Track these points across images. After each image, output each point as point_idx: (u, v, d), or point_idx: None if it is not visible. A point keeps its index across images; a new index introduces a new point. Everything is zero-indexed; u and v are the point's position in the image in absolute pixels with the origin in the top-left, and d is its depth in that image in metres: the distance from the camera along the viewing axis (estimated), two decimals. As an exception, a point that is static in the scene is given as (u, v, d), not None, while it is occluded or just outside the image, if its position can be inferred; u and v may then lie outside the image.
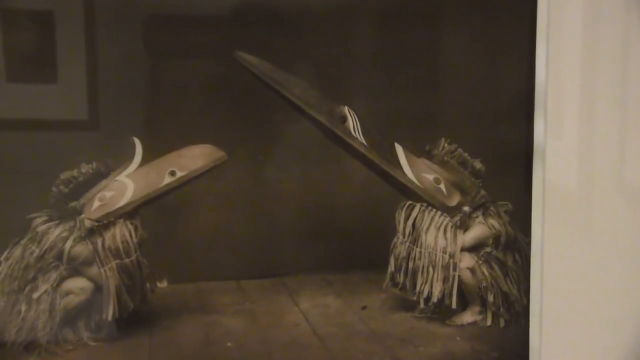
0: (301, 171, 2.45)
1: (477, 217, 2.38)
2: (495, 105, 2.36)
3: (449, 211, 2.38)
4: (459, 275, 2.33)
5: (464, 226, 2.36)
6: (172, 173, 2.25)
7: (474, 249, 2.36)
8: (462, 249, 2.35)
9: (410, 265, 2.33)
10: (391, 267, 2.37)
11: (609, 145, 2.09)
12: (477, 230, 2.37)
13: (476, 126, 2.39)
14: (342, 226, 2.46)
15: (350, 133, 2.30)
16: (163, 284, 2.35)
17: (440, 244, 2.33)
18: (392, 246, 2.37)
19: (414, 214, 2.36)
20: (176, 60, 2.29)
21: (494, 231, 2.37)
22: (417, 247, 2.34)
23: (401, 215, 2.36)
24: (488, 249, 2.37)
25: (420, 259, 2.33)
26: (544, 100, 2.09)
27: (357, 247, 2.45)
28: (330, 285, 2.50)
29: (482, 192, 2.38)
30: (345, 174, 2.44)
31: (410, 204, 2.37)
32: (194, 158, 2.28)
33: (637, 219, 2.11)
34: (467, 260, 2.35)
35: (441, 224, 2.35)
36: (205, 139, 2.28)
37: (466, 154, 2.38)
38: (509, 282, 2.34)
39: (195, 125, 2.32)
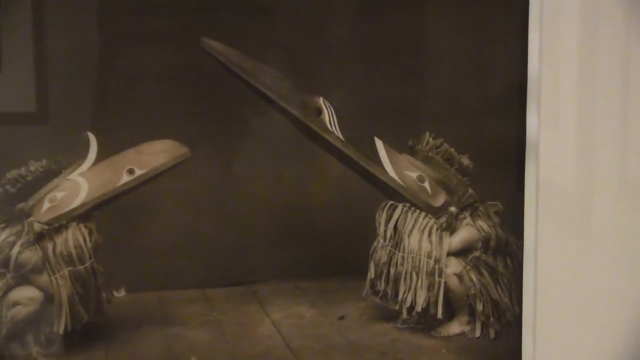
0: (272, 169, 2.46)
1: (464, 218, 2.36)
2: (485, 96, 2.36)
3: (434, 212, 2.36)
4: (445, 282, 2.31)
5: (451, 228, 2.35)
6: (131, 171, 2.23)
7: (461, 253, 2.35)
8: (449, 254, 2.33)
9: (392, 271, 2.31)
10: (371, 274, 2.34)
11: (609, 140, 2.07)
12: (465, 233, 2.36)
13: (463, 119, 2.39)
14: (317, 229, 2.47)
15: (326, 127, 2.27)
16: (120, 294, 2.35)
17: (425, 248, 2.31)
18: (372, 250, 2.35)
19: (395, 215, 2.34)
20: (134, 47, 2.28)
21: (483, 234, 2.35)
22: (399, 251, 2.32)
23: (382, 217, 2.34)
24: (477, 253, 2.35)
25: (402, 264, 2.31)
26: (538, 91, 2.07)
27: (333, 252, 2.47)
28: (304, 294, 2.50)
29: (470, 191, 2.37)
30: (320, 171, 2.46)
31: (391, 205, 2.35)
32: (155, 155, 2.26)
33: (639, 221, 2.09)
34: (453, 266, 2.33)
35: (425, 226, 2.34)
36: (167, 133, 2.26)
37: (452, 150, 2.36)
38: (499, 289, 2.33)
39: (155, 119, 2.32)
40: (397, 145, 2.35)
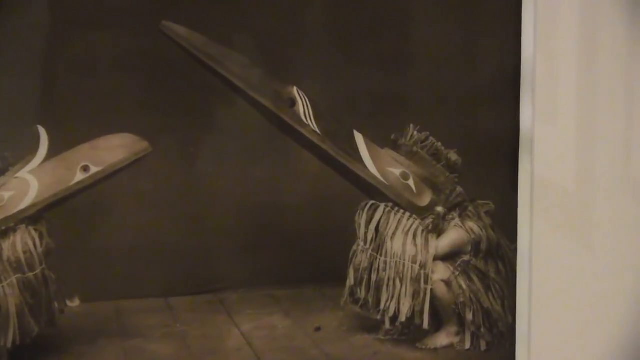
0: (241, 165, 2.45)
1: (452, 219, 2.35)
2: (474, 85, 2.36)
3: (419, 212, 2.35)
4: (431, 290, 2.29)
5: (437, 230, 2.34)
6: (85, 168, 2.21)
7: (449, 257, 2.33)
8: (435, 258, 2.31)
9: (373, 277, 2.30)
10: (350, 280, 2.32)
11: (611, 133, 2.05)
12: (453, 235, 2.34)
13: (451, 110, 2.40)
14: (290, 231, 2.46)
15: (301, 119, 2.25)
16: (74, 303, 2.34)
17: (409, 251, 2.30)
18: (351, 255, 2.33)
19: (377, 216, 2.32)
20: (87, 31, 2.27)
21: (473, 236, 2.34)
22: (381, 255, 2.30)
23: (362, 218, 2.32)
24: (466, 258, 2.34)
25: (385, 270, 2.29)
26: (532, 79, 2.05)
27: (309, 256, 2.48)
28: (277, 302, 2.50)
29: (459, 189, 2.36)
30: (294, 168, 2.44)
31: (372, 204, 2.33)
32: (112, 150, 2.24)
33: (644, 222, 2.08)
34: (441, 271, 2.32)
35: (410, 227, 2.33)
36: (125, 126, 2.24)
37: (439, 144, 2.34)
38: (491, 297, 2.31)
39: (112, 111, 2.32)
40: (378, 139, 2.34)
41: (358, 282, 2.32)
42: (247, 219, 2.44)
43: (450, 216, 2.35)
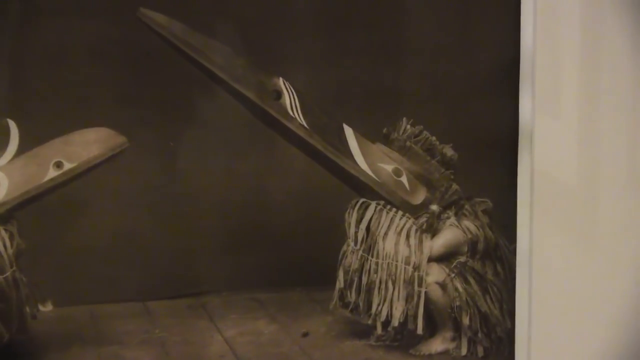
0: (224, 161, 2.45)
1: (448, 218, 2.34)
2: (471, 77, 2.36)
3: (413, 211, 2.34)
4: (425, 293, 2.28)
5: (432, 230, 2.33)
6: (59, 165, 2.19)
7: (444, 258, 2.32)
8: (430, 259, 2.30)
9: (364, 279, 2.29)
10: (340, 283, 2.31)
11: (616, 127, 2.02)
12: (449, 235, 2.33)
13: (447, 103, 2.40)
14: (276, 231, 2.46)
15: (287, 112, 2.24)
16: (47, 308, 2.32)
17: (402, 252, 2.28)
18: (340, 256, 2.32)
19: (368, 214, 2.30)
20: (61, 17, 2.26)
21: (469, 236, 2.33)
22: (372, 256, 2.29)
23: (352, 217, 2.31)
24: (462, 259, 2.33)
25: (376, 271, 2.28)
26: (532, 70, 2.03)
27: (296, 258, 2.48)
28: (262, 306, 2.50)
29: (455, 186, 2.35)
30: (280, 164, 2.44)
31: (363, 202, 2.31)
32: (87, 145, 2.21)
33: (650, 221, 2.07)
34: (435, 273, 2.31)
35: (403, 227, 2.31)
36: (101, 120, 2.23)
37: (434, 138, 2.33)
38: (488, 300, 2.31)
39: (87, 103, 2.31)
40: (369, 133, 2.33)
41: (348, 285, 2.31)
42: (231, 218, 2.43)
43: (446, 215, 2.35)
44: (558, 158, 2.03)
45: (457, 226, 2.33)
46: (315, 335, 2.37)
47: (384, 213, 2.31)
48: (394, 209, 2.32)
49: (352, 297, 2.31)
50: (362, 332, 2.36)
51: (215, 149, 2.37)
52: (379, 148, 2.34)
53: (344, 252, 2.33)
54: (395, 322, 2.28)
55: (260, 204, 2.43)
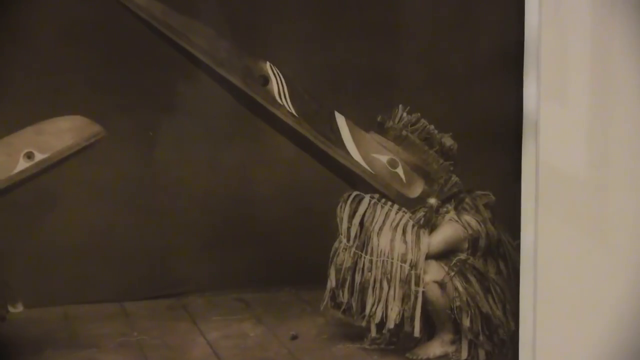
0: (207, 151, 2.42)
1: (447, 212, 2.33)
2: (472, 60, 2.35)
3: (410, 204, 2.33)
4: (423, 292, 2.27)
5: (430, 225, 2.31)
6: (29, 155, 2.18)
7: (443, 255, 2.31)
8: (428, 256, 2.28)
9: (358, 278, 2.27)
10: (331, 282, 2.29)
11: (626, 114, 1.99)
12: (448, 231, 2.32)
13: (446, 89, 2.38)
14: (263, 226, 2.44)
15: (274, 99, 2.23)
16: (17, 309, 2.28)
17: (398, 249, 2.27)
18: (332, 253, 2.30)
19: (361, 209, 2.29)
20: None
21: (470, 231, 2.31)
22: (366, 254, 2.27)
23: (344, 211, 2.28)
24: (462, 256, 2.31)
25: (370, 270, 2.26)
26: (537, 54, 2.00)
27: (284, 255, 2.47)
28: (247, 307, 2.48)
29: (454, 178, 2.34)
30: (267, 155, 2.42)
31: (356, 196, 2.29)
32: (59, 135, 2.20)
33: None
34: (434, 272, 2.29)
35: (399, 222, 2.29)
36: (75, 107, 2.23)
37: (432, 127, 2.32)
38: (490, 301, 2.29)
39: (60, 90, 2.30)
40: (363, 121, 2.32)
41: (340, 284, 2.30)
42: (214, 213, 2.42)
43: (445, 209, 2.33)
44: (565, 148, 2.00)
45: (457, 221, 2.32)
46: (304, 338, 2.36)
47: (379, 207, 2.30)
48: (389, 203, 2.32)
49: (344, 297, 2.30)
50: (356, 334, 2.35)
51: (197, 139, 2.36)
52: (373, 137, 2.33)
53: (336, 249, 2.31)
54: (390, 324, 2.26)
55: (246, 197, 2.41)
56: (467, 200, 2.34)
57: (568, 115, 2.01)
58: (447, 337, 2.31)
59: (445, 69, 2.34)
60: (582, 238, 2.02)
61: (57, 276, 2.35)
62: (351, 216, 2.29)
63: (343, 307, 2.31)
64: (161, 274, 2.46)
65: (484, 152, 2.32)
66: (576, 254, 2.01)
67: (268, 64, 2.23)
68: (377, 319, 2.27)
